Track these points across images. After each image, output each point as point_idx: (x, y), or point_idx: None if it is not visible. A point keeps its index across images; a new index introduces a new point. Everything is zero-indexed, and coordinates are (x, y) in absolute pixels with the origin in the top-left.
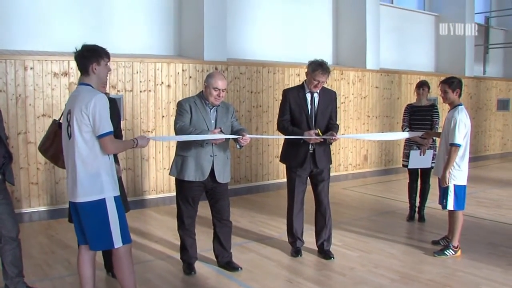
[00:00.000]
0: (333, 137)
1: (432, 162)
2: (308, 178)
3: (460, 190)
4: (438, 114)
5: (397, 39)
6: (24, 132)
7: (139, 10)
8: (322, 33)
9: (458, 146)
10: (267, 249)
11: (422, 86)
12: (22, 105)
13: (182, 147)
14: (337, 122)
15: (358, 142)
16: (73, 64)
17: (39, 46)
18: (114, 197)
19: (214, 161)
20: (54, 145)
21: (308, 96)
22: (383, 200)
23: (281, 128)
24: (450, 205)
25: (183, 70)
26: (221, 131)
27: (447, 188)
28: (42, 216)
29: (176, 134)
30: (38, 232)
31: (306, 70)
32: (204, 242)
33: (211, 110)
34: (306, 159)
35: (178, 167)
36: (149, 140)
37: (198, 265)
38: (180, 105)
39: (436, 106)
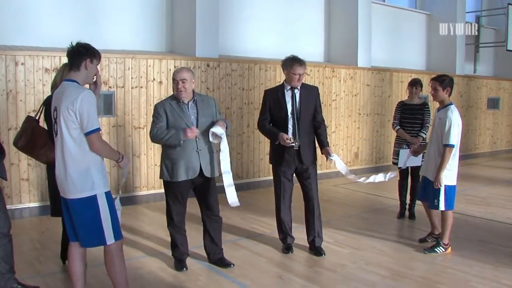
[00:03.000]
0: (329, 157)
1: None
2: (294, 175)
3: (450, 190)
4: (429, 113)
5: (389, 37)
6: (15, 128)
7: (131, 6)
8: (314, 31)
9: (453, 147)
10: (259, 246)
11: (415, 84)
12: (13, 100)
13: (167, 150)
14: (326, 120)
15: (349, 139)
16: (65, 60)
17: (31, 41)
18: (105, 193)
19: (200, 155)
20: (34, 141)
21: (288, 94)
22: (374, 197)
23: (260, 127)
24: (442, 206)
25: (175, 66)
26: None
27: (438, 189)
28: (33, 212)
29: (152, 141)
30: (29, 228)
31: (287, 68)
32: (195, 238)
33: (189, 107)
34: (290, 156)
35: (169, 170)
36: (129, 165)
37: (189, 261)
38: (155, 109)
39: (428, 105)
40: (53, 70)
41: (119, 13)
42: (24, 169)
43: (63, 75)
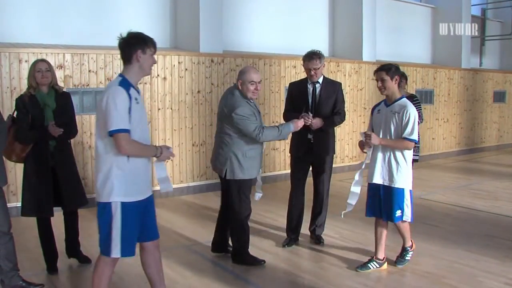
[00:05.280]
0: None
1: (416, 154)
2: (310, 168)
3: (412, 197)
4: (420, 106)
5: (394, 31)
6: None
7: (135, 2)
8: (318, 25)
9: (415, 142)
10: (264, 241)
11: (400, 77)
12: None
13: (245, 149)
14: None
15: (355, 134)
16: (68, 57)
17: (34, 38)
18: (123, 203)
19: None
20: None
21: (310, 87)
22: None
23: (285, 119)
24: (409, 215)
25: (179, 62)
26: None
27: (402, 196)
28: None
29: (262, 139)
30: (34, 225)
31: (302, 63)
32: (199, 233)
33: (257, 106)
34: (307, 148)
35: (244, 168)
36: (173, 154)
37: (196, 257)
38: (242, 109)
39: (417, 97)
40: (57, 67)
41: (122, 9)
42: None
43: (31, 73)
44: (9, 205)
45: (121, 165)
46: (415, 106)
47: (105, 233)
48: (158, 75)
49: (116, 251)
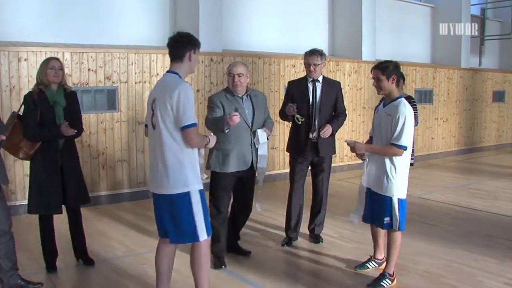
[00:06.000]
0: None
1: (411, 158)
2: (309, 167)
3: (403, 205)
4: (416, 107)
5: (393, 31)
6: None
7: (134, 1)
8: (318, 24)
9: (405, 149)
10: (263, 241)
11: (398, 77)
12: (16, 96)
13: (221, 142)
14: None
15: (354, 133)
16: (68, 55)
17: (33, 37)
18: (199, 190)
19: (252, 149)
20: (13, 137)
21: (310, 85)
22: None
23: (281, 116)
24: (397, 223)
25: None
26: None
27: (390, 203)
28: None
29: (207, 124)
30: (34, 224)
31: (303, 59)
32: None
33: (244, 101)
34: (308, 147)
35: (220, 162)
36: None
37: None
38: (210, 100)
39: (413, 99)
40: None
41: (122, 8)
42: (28, 165)
43: (43, 70)
44: (8, 203)
45: (190, 156)
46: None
47: (189, 221)
48: (157, 74)
49: (203, 234)
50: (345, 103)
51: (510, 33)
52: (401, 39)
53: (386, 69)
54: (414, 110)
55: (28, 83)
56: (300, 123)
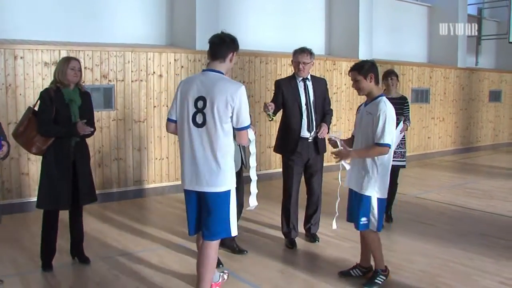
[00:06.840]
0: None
1: (403, 160)
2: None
3: (382, 205)
4: (409, 108)
5: (390, 30)
6: (14, 122)
7: None
8: (314, 23)
9: (388, 147)
10: (260, 240)
11: (390, 75)
12: (13, 94)
13: None
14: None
15: (350, 132)
16: (64, 53)
17: (30, 35)
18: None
19: (241, 150)
20: (27, 132)
21: (301, 84)
22: None
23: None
24: (375, 224)
25: (175, 59)
26: None
27: (368, 204)
28: (33, 207)
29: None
30: (29, 222)
31: (292, 57)
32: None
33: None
34: (303, 147)
35: None
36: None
37: (190, 251)
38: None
39: (407, 99)
40: (52, 64)
41: (118, 6)
42: (24, 163)
43: (63, 70)
44: (4, 202)
45: (233, 156)
46: (404, 109)
47: (225, 219)
48: (154, 72)
49: (235, 230)
50: (342, 103)
51: (506, 33)
52: (398, 38)
53: (362, 69)
54: (406, 111)
55: (24, 81)
56: (271, 119)
